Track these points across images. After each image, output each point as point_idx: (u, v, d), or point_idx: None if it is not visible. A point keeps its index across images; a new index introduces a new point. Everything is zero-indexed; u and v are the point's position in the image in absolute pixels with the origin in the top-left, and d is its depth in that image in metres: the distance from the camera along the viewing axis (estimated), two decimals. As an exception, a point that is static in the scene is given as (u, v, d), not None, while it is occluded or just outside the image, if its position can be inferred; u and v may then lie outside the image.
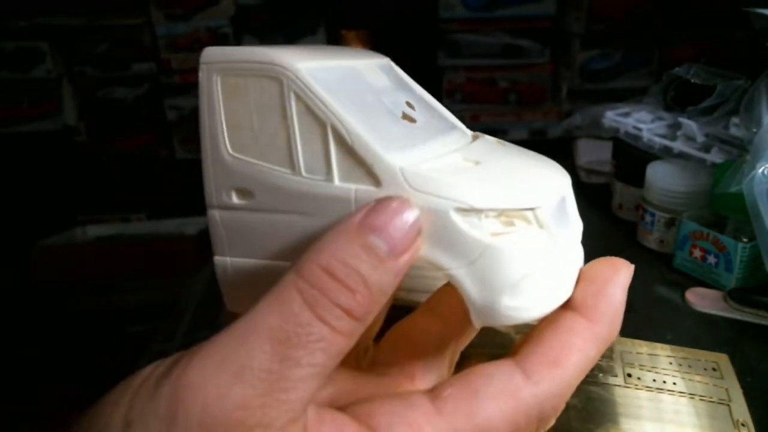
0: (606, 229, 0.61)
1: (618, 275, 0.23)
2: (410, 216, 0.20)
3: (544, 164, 0.24)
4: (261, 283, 0.22)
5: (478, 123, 0.87)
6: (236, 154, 0.23)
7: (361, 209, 0.20)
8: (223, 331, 0.19)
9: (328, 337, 0.19)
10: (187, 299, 0.48)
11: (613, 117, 0.64)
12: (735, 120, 0.54)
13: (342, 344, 0.19)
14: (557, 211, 0.23)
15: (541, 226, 0.22)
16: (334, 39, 0.87)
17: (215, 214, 0.24)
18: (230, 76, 0.22)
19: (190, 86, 0.82)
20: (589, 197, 0.68)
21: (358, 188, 0.22)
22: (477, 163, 0.23)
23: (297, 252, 0.21)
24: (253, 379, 0.18)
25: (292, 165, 0.22)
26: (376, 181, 0.21)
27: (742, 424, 0.31)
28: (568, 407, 0.31)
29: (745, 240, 0.46)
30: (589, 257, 0.49)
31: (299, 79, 0.22)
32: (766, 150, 0.43)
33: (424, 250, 0.21)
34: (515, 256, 0.21)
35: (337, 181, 0.22)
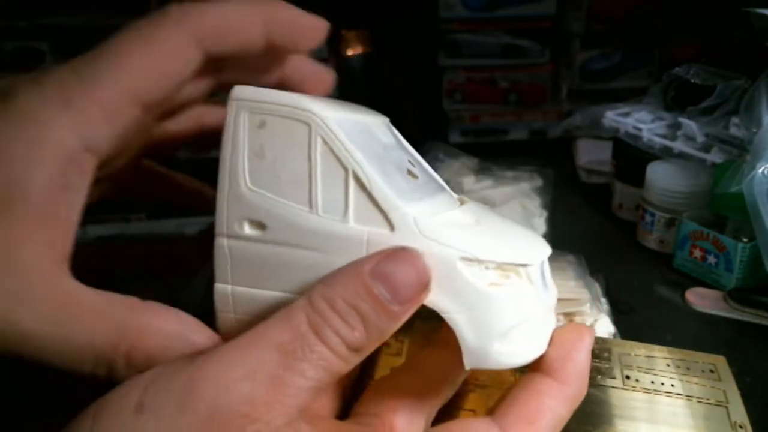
0: (606, 229, 0.61)
1: (582, 340, 0.24)
2: (419, 270, 0.22)
3: (528, 232, 0.27)
4: (260, 312, 0.24)
5: (478, 123, 0.87)
6: (254, 188, 0.24)
7: (376, 255, 0.22)
8: (235, 339, 0.21)
9: (328, 357, 0.21)
10: (187, 299, 0.48)
11: (613, 117, 0.64)
12: (735, 120, 0.54)
13: (340, 366, 0.21)
14: (541, 274, 0.25)
15: (530, 282, 0.24)
16: (334, 39, 0.87)
17: (224, 243, 0.24)
18: (258, 114, 0.24)
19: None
20: (589, 197, 0.68)
21: (371, 231, 0.23)
22: (477, 221, 0.25)
23: (302, 285, 0.24)
24: (261, 380, 0.20)
25: (310, 203, 0.23)
26: (390, 227, 0.23)
27: (740, 426, 0.31)
28: (567, 408, 0.31)
29: (745, 240, 0.46)
30: (589, 257, 0.50)
31: (327, 126, 0.23)
32: (766, 150, 0.43)
33: (432, 293, 0.23)
34: (509, 306, 0.23)
35: (352, 222, 0.23)
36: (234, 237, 0.24)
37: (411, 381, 0.25)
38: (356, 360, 0.22)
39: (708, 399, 0.32)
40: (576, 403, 0.23)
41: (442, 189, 0.27)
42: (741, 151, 0.51)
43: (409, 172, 0.26)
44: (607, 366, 0.34)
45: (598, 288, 0.45)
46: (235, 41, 0.24)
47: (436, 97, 0.87)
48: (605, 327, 0.41)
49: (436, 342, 0.26)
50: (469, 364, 0.24)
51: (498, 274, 0.23)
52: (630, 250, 0.56)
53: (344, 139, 0.23)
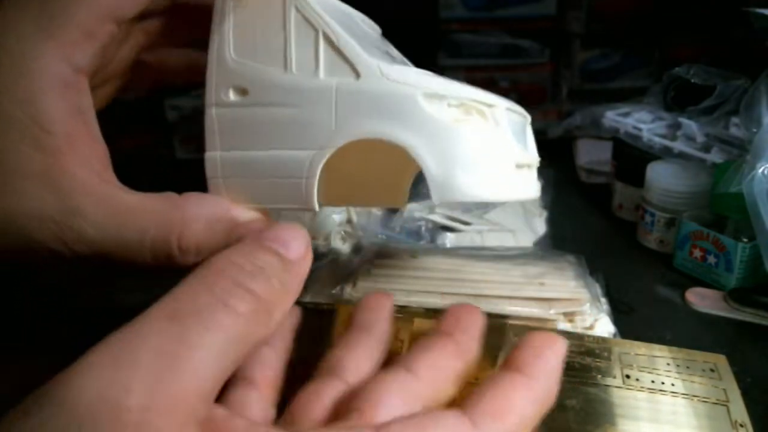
0: (606, 229, 0.61)
1: (555, 344, 0.25)
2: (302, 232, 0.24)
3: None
4: (244, 173, 0.27)
5: (478, 123, 0.87)
6: (237, 58, 0.27)
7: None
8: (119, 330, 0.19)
9: (226, 318, 0.19)
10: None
11: (613, 117, 0.64)
12: (735, 120, 0.54)
13: (241, 327, 0.19)
14: (519, 132, 0.28)
15: (496, 123, 0.26)
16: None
17: (212, 112, 0.27)
18: None
19: (191, 86, 0.82)
20: (589, 197, 0.68)
21: (340, 81, 0.25)
22: (436, 75, 0.27)
23: (281, 140, 0.26)
24: (143, 361, 0.17)
25: (285, 64, 0.26)
26: (357, 74, 0.25)
27: (741, 425, 0.31)
28: (567, 408, 0.31)
29: (745, 240, 0.46)
30: (589, 257, 0.50)
31: None
32: (766, 150, 0.43)
33: (396, 128, 0.25)
34: (470, 139, 0.25)
35: (322, 75, 0.26)
36: (221, 105, 0.27)
37: (400, 379, 0.25)
38: (260, 317, 0.20)
39: (709, 398, 0.32)
40: (545, 403, 0.23)
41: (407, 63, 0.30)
42: (741, 151, 0.51)
43: (387, 54, 0.28)
44: (607, 365, 0.34)
45: (598, 288, 0.45)
46: None
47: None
48: (605, 327, 0.41)
49: (431, 342, 0.26)
50: (435, 197, 0.25)
51: (461, 111, 0.26)
52: (630, 250, 0.56)
53: (315, 5, 0.26)
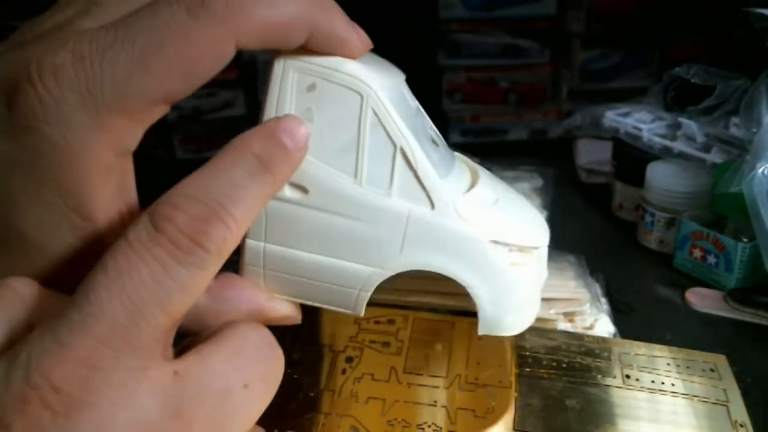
0: (606, 229, 0.61)
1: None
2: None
3: (532, 208, 0.29)
4: (290, 270, 0.25)
5: (478, 123, 0.87)
6: None
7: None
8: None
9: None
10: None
11: (613, 117, 0.64)
12: (735, 120, 0.54)
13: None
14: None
15: (539, 261, 0.27)
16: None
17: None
18: (308, 76, 0.23)
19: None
20: (589, 197, 0.68)
21: (413, 207, 0.24)
22: (497, 200, 0.26)
23: (339, 250, 0.24)
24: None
25: (356, 174, 0.24)
26: (431, 205, 0.24)
27: (741, 425, 0.31)
28: (567, 408, 0.31)
29: (745, 240, 0.46)
30: (589, 257, 0.50)
31: (379, 99, 0.24)
32: (766, 150, 0.43)
33: (461, 268, 0.25)
34: (525, 285, 0.26)
35: (395, 197, 0.24)
36: (274, 198, 0.24)
37: None
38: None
39: (709, 398, 0.32)
40: None
41: (453, 155, 0.29)
42: (741, 151, 0.51)
43: (433, 140, 0.27)
44: (607, 365, 0.34)
45: (598, 288, 0.45)
46: (277, 43, 0.22)
47: (436, 97, 0.87)
48: (605, 327, 0.41)
49: None
50: (482, 331, 0.26)
51: (518, 255, 0.26)
52: (630, 250, 0.56)
53: (395, 114, 0.24)
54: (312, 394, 0.32)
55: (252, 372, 0.20)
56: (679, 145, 0.58)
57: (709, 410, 0.32)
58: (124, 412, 0.17)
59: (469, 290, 0.25)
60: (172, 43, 0.20)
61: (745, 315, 0.45)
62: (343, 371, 0.33)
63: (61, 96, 0.19)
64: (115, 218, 0.22)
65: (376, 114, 0.23)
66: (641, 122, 0.62)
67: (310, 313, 0.32)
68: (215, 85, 0.79)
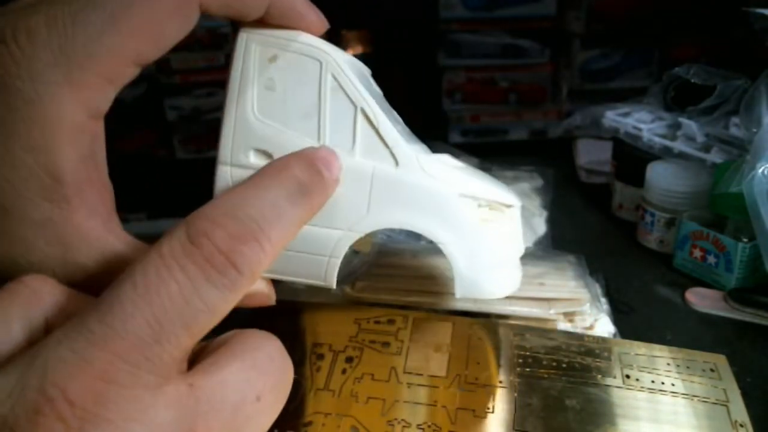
0: (606, 229, 0.61)
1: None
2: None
3: (498, 181, 0.29)
4: None
5: (478, 123, 0.87)
6: (262, 118, 0.25)
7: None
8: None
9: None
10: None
11: (613, 117, 0.64)
12: (735, 120, 0.54)
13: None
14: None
15: (513, 221, 0.27)
16: (334, 39, 0.87)
17: (227, 171, 0.25)
18: (270, 48, 0.25)
19: (191, 86, 0.82)
20: (589, 197, 0.68)
21: (377, 165, 0.25)
22: (464, 167, 0.27)
23: None
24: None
25: (318, 136, 0.25)
26: (395, 162, 0.25)
27: (741, 425, 0.31)
28: (567, 408, 0.31)
29: (745, 240, 0.46)
30: (589, 257, 0.50)
31: (338, 64, 0.24)
32: (766, 150, 0.43)
33: (430, 223, 0.25)
34: (497, 241, 0.26)
35: (358, 156, 0.25)
36: (238, 165, 0.25)
37: None
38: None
39: (709, 398, 0.32)
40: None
41: (414, 137, 0.29)
42: (741, 151, 0.51)
43: (396, 118, 0.28)
44: (607, 365, 0.34)
45: (598, 288, 0.45)
46: (238, 9, 0.23)
47: (436, 97, 0.87)
48: (605, 327, 0.41)
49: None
50: (459, 292, 0.26)
51: (488, 212, 0.26)
52: (630, 250, 0.56)
53: (354, 78, 0.25)
54: (312, 394, 0.32)
55: (264, 384, 0.20)
56: (679, 145, 0.58)
57: (709, 410, 0.32)
58: (139, 427, 0.17)
59: (441, 247, 0.25)
60: (141, 4, 0.21)
61: (745, 315, 0.45)
62: (343, 371, 0.33)
63: (34, 53, 0.20)
64: (83, 182, 0.22)
65: (335, 78, 0.24)
66: (641, 122, 0.62)
67: (311, 314, 0.32)
68: (215, 85, 0.79)
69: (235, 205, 0.20)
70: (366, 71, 0.28)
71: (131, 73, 0.23)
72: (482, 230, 0.25)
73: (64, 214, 0.22)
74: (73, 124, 0.21)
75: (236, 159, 0.25)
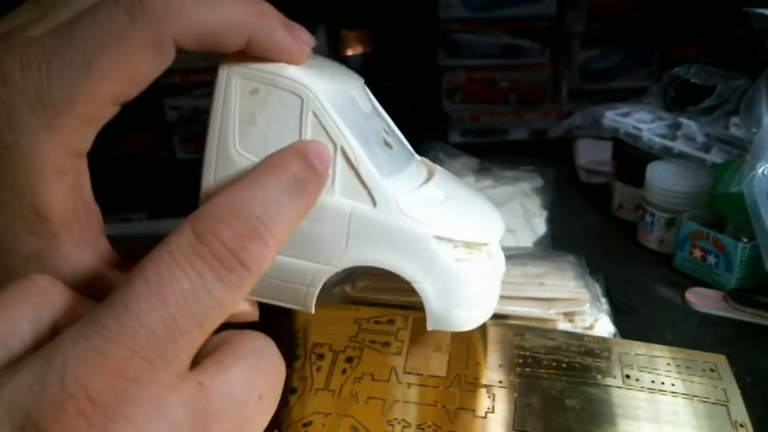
0: (606, 229, 0.61)
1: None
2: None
3: (486, 205, 0.29)
4: None
5: (478, 123, 0.87)
6: (244, 152, 0.25)
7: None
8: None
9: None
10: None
11: (613, 117, 0.64)
12: (735, 120, 0.54)
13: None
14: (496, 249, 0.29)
15: (489, 257, 0.27)
16: (334, 39, 0.87)
17: None
18: (251, 81, 0.24)
19: (191, 86, 0.82)
20: (589, 197, 0.68)
21: (355, 205, 0.25)
22: (446, 197, 0.27)
23: (287, 247, 0.25)
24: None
25: None
26: (373, 202, 0.25)
27: (741, 425, 0.31)
28: (567, 408, 0.31)
29: (745, 240, 0.46)
30: (589, 257, 0.50)
31: (318, 101, 0.24)
32: (766, 150, 0.43)
33: (406, 263, 0.25)
34: (472, 281, 0.26)
35: (337, 195, 0.25)
36: None
37: None
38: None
39: (709, 398, 0.32)
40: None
41: (411, 156, 0.29)
42: (741, 151, 0.51)
43: (386, 142, 0.27)
44: (607, 365, 0.34)
45: (598, 288, 0.45)
46: (214, 45, 0.23)
47: (436, 97, 0.87)
48: (605, 327, 0.41)
49: None
50: (431, 326, 0.27)
51: (464, 251, 0.26)
52: (630, 250, 0.56)
53: (335, 114, 0.24)
54: (312, 394, 0.32)
55: (265, 384, 0.20)
56: (679, 145, 0.58)
57: (709, 410, 0.32)
58: (158, 426, 0.17)
59: (415, 285, 0.26)
60: (113, 46, 0.21)
61: (745, 315, 0.45)
62: (343, 371, 0.33)
63: (11, 101, 0.20)
64: (69, 216, 0.23)
65: (316, 116, 0.24)
66: (641, 122, 0.62)
67: (311, 314, 0.32)
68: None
69: (238, 203, 0.20)
70: (356, 89, 0.28)
71: (111, 112, 0.23)
72: (455, 271, 0.26)
73: (52, 246, 0.22)
74: (55, 166, 0.22)
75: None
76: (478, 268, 0.27)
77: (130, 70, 0.22)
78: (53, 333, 0.19)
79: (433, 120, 0.87)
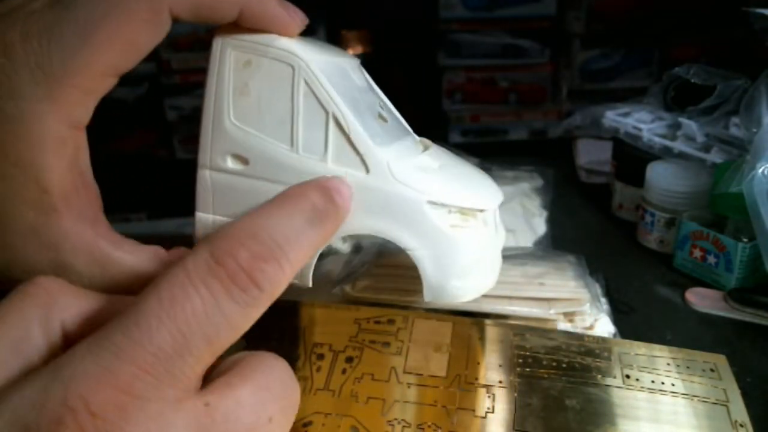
0: (606, 229, 0.61)
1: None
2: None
3: (483, 177, 0.28)
4: None
5: (478, 123, 0.87)
6: (238, 123, 0.25)
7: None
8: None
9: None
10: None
11: (613, 117, 0.64)
12: (735, 120, 0.54)
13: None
14: (493, 218, 0.28)
15: (485, 225, 0.27)
16: (334, 39, 0.87)
17: (207, 175, 0.26)
18: (244, 53, 0.25)
19: (191, 86, 0.82)
20: (589, 197, 0.68)
21: (348, 172, 0.25)
22: (440, 166, 0.27)
23: None
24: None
25: (291, 142, 0.25)
26: (366, 169, 0.25)
27: (741, 425, 0.31)
28: (567, 408, 0.31)
29: (745, 240, 0.46)
30: (589, 257, 0.50)
31: (310, 69, 0.24)
32: (766, 150, 0.43)
33: (399, 230, 0.25)
34: (468, 247, 0.26)
35: (330, 163, 0.25)
36: (217, 169, 0.26)
37: None
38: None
39: (709, 398, 0.32)
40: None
41: (408, 132, 0.29)
42: (741, 151, 0.51)
43: (380, 116, 0.27)
44: (607, 365, 0.34)
45: (598, 288, 0.45)
46: (208, 15, 0.24)
47: (436, 97, 0.87)
48: (605, 327, 0.41)
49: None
50: (428, 297, 0.26)
51: (459, 217, 0.26)
52: (630, 250, 0.56)
53: (326, 82, 0.24)
54: (312, 394, 0.32)
55: (275, 406, 0.20)
56: (679, 145, 0.58)
57: (709, 410, 0.32)
58: None
59: (410, 253, 0.25)
60: (111, 16, 0.22)
61: (745, 315, 0.45)
62: (343, 371, 0.33)
63: (14, 71, 0.21)
64: (69, 190, 0.23)
65: (307, 84, 0.24)
66: (641, 122, 0.62)
67: (311, 314, 0.32)
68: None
69: (257, 228, 0.20)
70: (351, 66, 0.28)
71: (110, 83, 0.23)
72: (450, 237, 0.25)
73: (52, 221, 0.23)
74: (56, 137, 0.22)
75: (215, 163, 0.25)
76: (474, 234, 0.26)
77: (128, 41, 0.22)
78: (64, 334, 0.19)
79: (433, 120, 0.87)
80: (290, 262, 0.20)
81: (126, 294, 0.22)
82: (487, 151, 0.77)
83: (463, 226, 0.26)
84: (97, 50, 0.22)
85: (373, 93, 0.29)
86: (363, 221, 0.25)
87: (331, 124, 0.25)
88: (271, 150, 0.25)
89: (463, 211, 0.26)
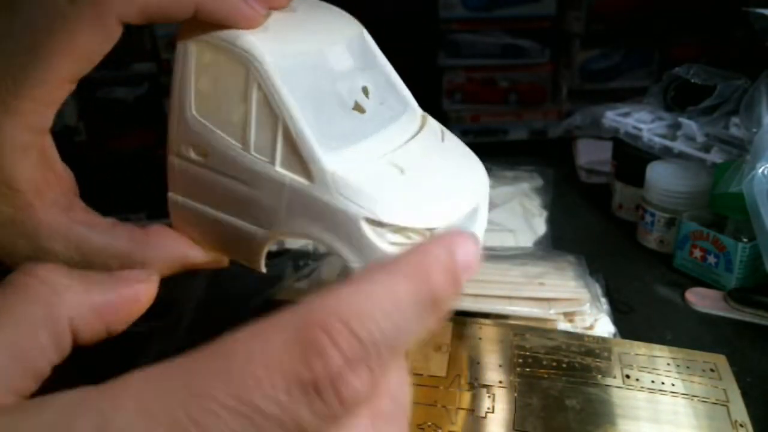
0: (606, 229, 0.61)
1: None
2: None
3: (467, 172, 0.27)
4: (203, 222, 0.27)
5: (478, 123, 0.87)
6: (199, 117, 0.26)
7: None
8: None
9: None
10: (187, 299, 0.48)
11: (613, 117, 0.64)
12: (735, 120, 0.54)
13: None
14: (465, 220, 0.26)
15: None
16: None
17: (174, 161, 0.27)
18: (204, 50, 0.25)
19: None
20: (589, 197, 0.68)
21: (293, 178, 0.25)
22: (402, 171, 0.25)
23: (235, 210, 0.26)
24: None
25: (244, 141, 0.25)
26: (310, 178, 0.24)
27: (741, 425, 0.31)
28: (567, 408, 0.31)
29: (745, 240, 0.46)
30: (589, 257, 0.49)
31: (263, 71, 0.24)
32: (766, 150, 0.43)
33: (337, 242, 0.25)
34: None
35: (278, 166, 0.25)
36: (182, 157, 0.27)
37: None
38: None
39: (708, 398, 0.32)
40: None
41: (402, 111, 0.29)
42: (741, 151, 0.51)
43: (357, 106, 0.27)
44: (607, 365, 0.34)
45: (598, 288, 0.45)
46: (160, 16, 0.24)
47: (436, 97, 0.87)
48: (605, 327, 0.41)
49: None
50: None
51: (399, 236, 0.25)
52: (630, 250, 0.56)
53: (279, 84, 0.24)
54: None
55: None
56: (679, 145, 0.58)
57: (709, 410, 0.32)
58: None
59: (350, 266, 0.26)
60: (55, 29, 0.22)
61: (745, 315, 0.45)
62: (343, 371, 0.33)
63: None
64: (40, 185, 0.24)
65: (259, 85, 0.24)
66: (641, 122, 0.62)
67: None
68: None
69: (359, 311, 0.17)
70: (337, 42, 0.27)
71: (67, 89, 0.24)
72: (385, 255, 0.24)
73: (28, 215, 0.24)
74: (19, 145, 0.23)
75: (179, 151, 0.27)
76: None
77: (77, 50, 0.23)
78: (73, 333, 0.19)
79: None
80: (383, 366, 0.17)
81: (103, 271, 0.23)
82: (487, 151, 0.76)
83: (406, 243, 0.25)
84: (48, 63, 0.22)
85: (361, 73, 0.28)
86: (306, 228, 0.25)
87: (280, 128, 0.24)
88: (226, 146, 0.25)
89: (402, 230, 0.25)
